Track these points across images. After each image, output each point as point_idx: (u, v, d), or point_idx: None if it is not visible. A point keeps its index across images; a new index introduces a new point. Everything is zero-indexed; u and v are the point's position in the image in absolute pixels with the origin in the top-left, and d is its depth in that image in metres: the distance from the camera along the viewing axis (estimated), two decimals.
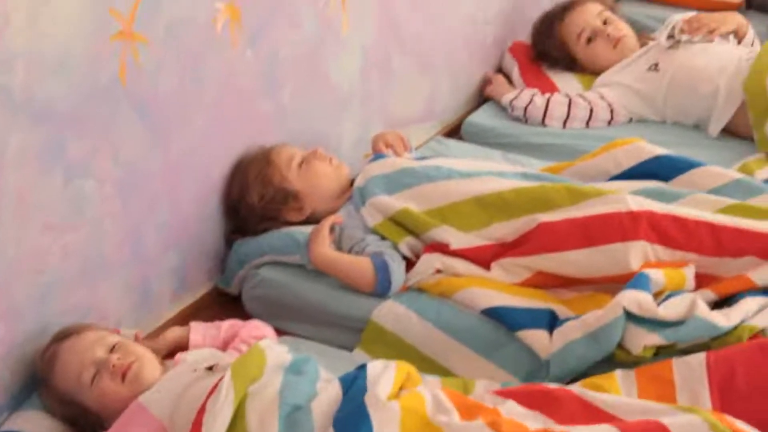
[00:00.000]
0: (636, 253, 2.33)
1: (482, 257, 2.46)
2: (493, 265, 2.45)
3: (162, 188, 2.41)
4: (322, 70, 2.84)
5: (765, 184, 2.60)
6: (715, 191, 2.57)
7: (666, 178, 2.64)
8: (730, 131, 3.22)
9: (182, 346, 2.23)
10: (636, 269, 2.31)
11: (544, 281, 2.42)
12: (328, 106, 2.90)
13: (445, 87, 3.41)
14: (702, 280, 2.35)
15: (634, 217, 2.37)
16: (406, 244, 2.52)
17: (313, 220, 2.62)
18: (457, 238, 2.48)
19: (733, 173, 2.67)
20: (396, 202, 2.55)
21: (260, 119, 2.67)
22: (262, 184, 2.60)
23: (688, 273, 2.34)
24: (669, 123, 3.32)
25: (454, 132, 3.43)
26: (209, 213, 2.59)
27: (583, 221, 2.40)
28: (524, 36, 3.66)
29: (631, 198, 2.42)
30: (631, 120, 3.35)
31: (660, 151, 2.71)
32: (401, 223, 2.53)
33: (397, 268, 2.44)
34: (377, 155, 2.73)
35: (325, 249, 2.48)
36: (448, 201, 2.53)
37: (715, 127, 3.21)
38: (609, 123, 3.32)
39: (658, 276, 2.28)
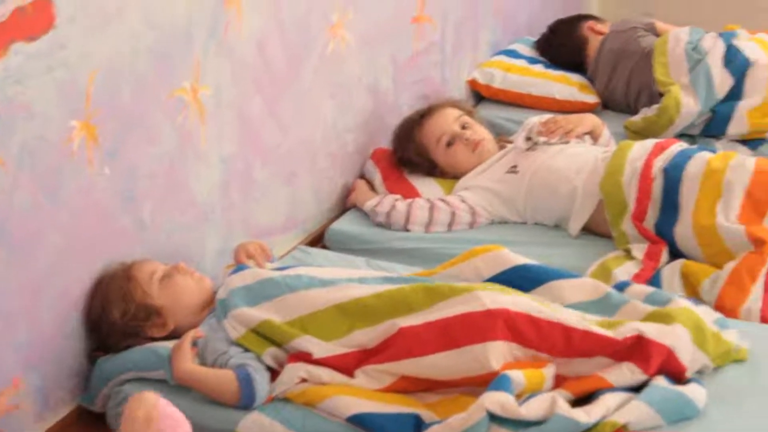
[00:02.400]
0: (496, 353, 2.42)
1: (345, 365, 2.52)
2: (356, 372, 2.51)
3: (20, 307, 2.43)
4: (183, 184, 2.90)
5: (624, 298, 2.70)
6: (574, 307, 2.65)
7: (526, 288, 2.70)
8: (590, 230, 3.35)
9: None
10: (497, 369, 2.39)
11: (407, 386, 2.48)
12: (189, 219, 2.95)
13: (307, 195, 3.49)
14: (559, 380, 2.44)
15: (490, 315, 2.46)
16: (269, 354, 2.57)
17: (177, 334, 2.67)
18: (319, 347, 2.54)
19: (594, 288, 2.73)
20: (258, 314, 2.60)
21: (120, 235, 2.72)
22: (124, 300, 2.64)
23: (548, 373, 2.43)
24: (530, 223, 3.45)
25: (317, 240, 3.50)
26: (70, 331, 2.61)
27: (442, 323, 2.48)
28: (385, 142, 3.77)
29: (486, 295, 2.50)
30: (492, 222, 3.48)
31: (520, 260, 2.79)
32: (264, 334, 2.58)
33: (260, 379, 2.49)
34: (239, 266, 2.79)
35: (187, 364, 2.52)
36: (310, 310, 2.60)
37: (574, 227, 3.34)
38: (471, 226, 3.43)
39: (519, 377, 2.37)
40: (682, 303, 2.60)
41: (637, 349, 2.41)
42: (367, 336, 2.54)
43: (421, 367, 2.46)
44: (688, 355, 2.43)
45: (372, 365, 2.49)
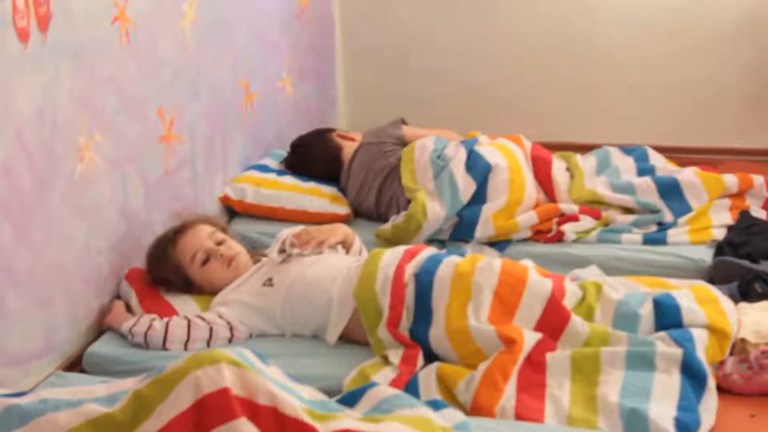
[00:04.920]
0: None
1: None
2: None
3: None
4: None
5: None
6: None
7: None
8: (348, 338, 3.45)
9: None
10: None
11: None
12: None
13: (63, 320, 3.47)
14: None
15: (225, 393, 2.55)
16: None
17: None
18: None
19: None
20: None
21: None
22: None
23: None
24: (288, 335, 3.52)
25: (76, 364, 3.49)
26: None
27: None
28: (140, 262, 3.79)
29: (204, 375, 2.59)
30: (251, 336, 3.56)
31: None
32: None
33: None
34: None
35: None
36: (63, 430, 2.58)
37: (331, 336, 3.43)
38: (230, 341, 3.49)
39: None
40: (419, 410, 2.73)
41: None
42: None
43: None
44: None
45: None
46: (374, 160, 4.43)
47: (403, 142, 4.52)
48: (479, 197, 4.17)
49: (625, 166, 4.58)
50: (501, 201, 4.14)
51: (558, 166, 4.46)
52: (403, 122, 4.67)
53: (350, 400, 2.85)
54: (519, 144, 4.47)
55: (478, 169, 4.20)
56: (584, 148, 4.86)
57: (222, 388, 2.56)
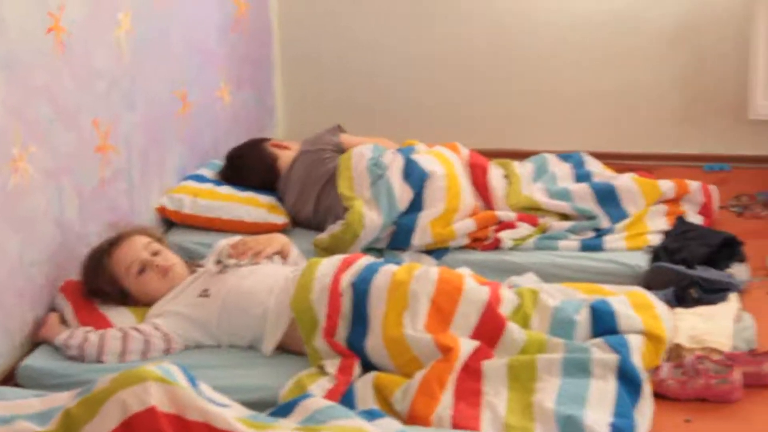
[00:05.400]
0: None
1: None
2: None
3: None
4: None
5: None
6: None
7: None
8: (285, 348, 3.44)
9: None
10: None
11: None
12: None
13: None
14: None
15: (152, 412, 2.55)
16: None
17: None
18: None
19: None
20: None
21: None
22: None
23: None
24: (224, 346, 3.51)
25: (9, 378, 3.45)
26: None
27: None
28: (75, 274, 3.77)
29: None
30: (188, 347, 3.52)
31: None
32: None
33: None
34: None
35: None
36: None
37: (268, 346, 3.42)
38: (167, 352, 3.47)
39: None
40: (353, 421, 2.74)
41: None
42: None
43: None
44: None
45: None
46: (313, 168, 4.43)
47: (341, 150, 4.51)
48: (416, 205, 4.18)
49: (562, 172, 4.61)
50: (438, 209, 4.15)
51: (495, 173, 4.48)
52: (341, 129, 4.67)
53: (283, 411, 2.85)
54: (456, 151, 4.49)
55: (415, 176, 4.22)
56: (522, 155, 4.90)
57: (149, 407, 2.56)
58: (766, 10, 4.72)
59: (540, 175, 4.59)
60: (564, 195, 4.36)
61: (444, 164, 4.32)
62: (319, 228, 4.31)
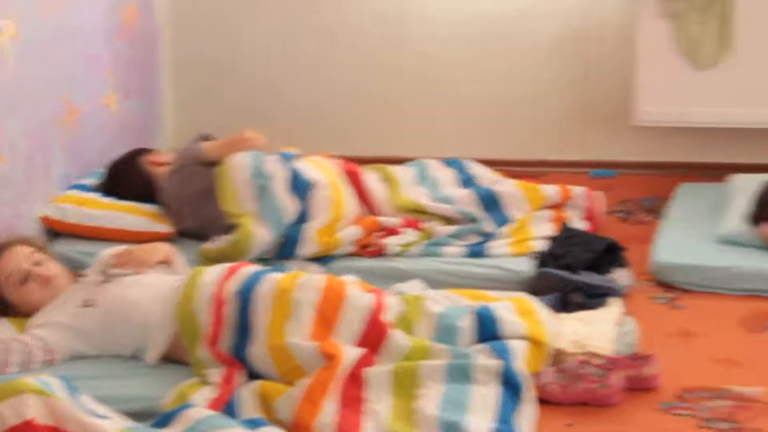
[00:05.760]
0: None
1: None
2: None
3: None
4: None
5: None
6: None
7: None
8: (170, 358, 3.42)
9: None
10: None
11: None
12: None
13: None
14: None
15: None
16: None
17: None
18: None
19: None
20: None
21: None
22: None
23: None
24: (107, 356, 3.47)
25: None
26: None
27: None
28: None
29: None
30: (71, 357, 3.47)
31: None
32: None
33: None
34: None
35: None
36: None
37: (151, 356, 3.39)
38: (48, 363, 3.41)
39: None
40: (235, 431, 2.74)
41: None
42: None
43: None
44: None
45: None
46: (181, 187, 4.36)
47: (204, 162, 4.41)
48: (302, 216, 4.18)
49: (445, 177, 4.63)
50: (324, 218, 4.16)
51: (370, 178, 4.50)
52: (205, 138, 4.58)
53: (164, 422, 2.84)
54: (332, 159, 4.49)
55: (300, 187, 4.21)
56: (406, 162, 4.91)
57: (26, 420, 2.54)
58: (650, 18, 4.80)
59: (422, 180, 4.61)
60: (447, 201, 4.39)
61: (325, 173, 4.32)
62: (206, 238, 4.27)
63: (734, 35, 4.73)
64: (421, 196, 4.43)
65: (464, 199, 4.38)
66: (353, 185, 4.41)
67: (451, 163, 4.76)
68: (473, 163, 4.76)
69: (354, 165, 4.54)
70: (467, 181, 4.59)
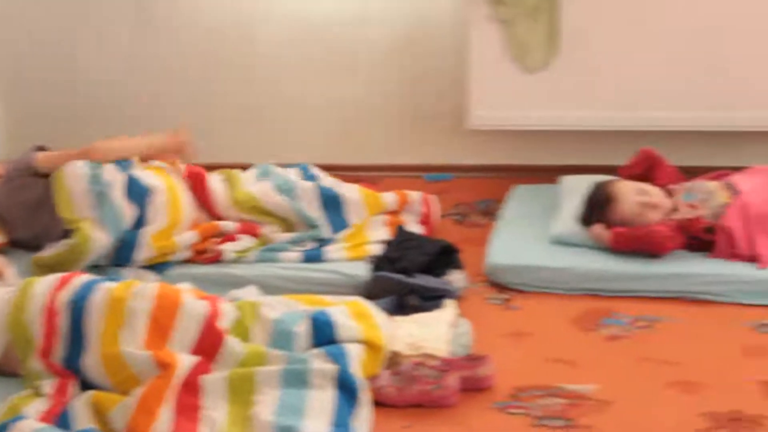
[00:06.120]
0: None
1: None
2: None
3: None
4: None
5: None
6: None
7: None
8: (2, 371, 3.36)
9: None
10: None
11: None
12: None
13: None
14: None
15: None
16: None
17: None
18: None
19: None
20: None
21: None
22: None
23: None
24: None
25: None
26: None
27: None
28: None
29: None
30: None
31: None
32: None
33: None
34: None
35: None
36: None
37: None
38: None
39: None
40: None
41: None
42: None
43: None
44: None
45: None
46: (11, 198, 4.27)
47: (37, 172, 4.31)
48: (139, 221, 4.14)
49: (289, 172, 4.60)
50: (160, 223, 4.13)
51: (214, 179, 4.48)
52: (40, 149, 4.48)
53: None
54: (173, 164, 4.45)
55: (138, 193, 4.17)
56: (244, 168, 4.88)
57: None
58: (481, 23, 4.87)
59: (265, 176, 4.58)
60: (290, 190, 4.36)
61: (163, 178, 4.29)
62: (38, 248, 4.18)
63: (561, 40, 4.83)
64: (261, 189, 4.39)
65: (308, 193, 4.36)
66: (195, 189, 4.38)
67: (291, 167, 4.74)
68: (316, 169, 4.73)
69: (199, 168, 4.49)
70: (311, 179, 4.58)
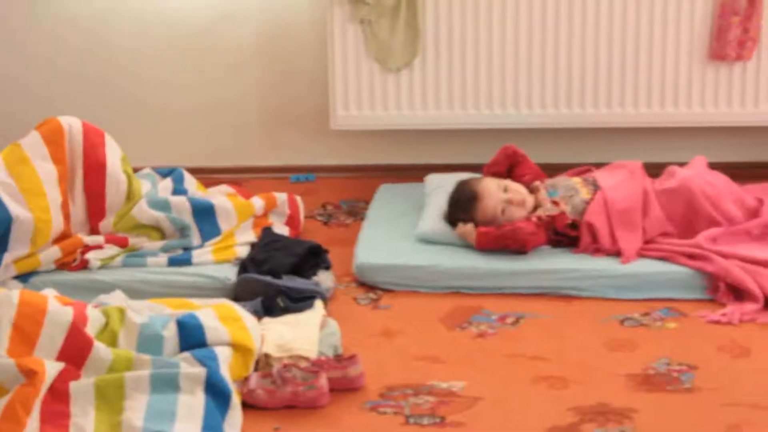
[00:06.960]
0: None
1: None
2: None
3: None
4: None
5: None
6: None
7: None
8: None
9: None
10: None
11: None
12: None
13: None
14: None
15: None
16: None
17: None
18: None
19: None
20: None
21: None
22: None
23: None
24: None
25: None
26: None
27: None
28: None
29: None
30: None
31: None
32: None
33: None
34: None
35: None
36: None
37: None
38: None
39: None
40: None
41: None
42: None
43: None
44: None
45: None
46: None
47: None
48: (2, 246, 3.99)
49: (163, 186, 4.55)
50: (21, 251, 3.99)
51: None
52: None
53: None
54: (59, 164, 4.28)
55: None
56: None
57: None
58: (342, 23, 4.89)
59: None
60: (164, 205, 4.30)
61: (32, 199, 4.08)
62: None
63: (422, 40, 4.89)
64: (138, 208, 4.30)
65: (179, 207, 4.30)
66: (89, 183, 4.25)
67: (169, 172, 4.66)
68: (188, 174, 4.66)
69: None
70: (182, 192, 4.51)
